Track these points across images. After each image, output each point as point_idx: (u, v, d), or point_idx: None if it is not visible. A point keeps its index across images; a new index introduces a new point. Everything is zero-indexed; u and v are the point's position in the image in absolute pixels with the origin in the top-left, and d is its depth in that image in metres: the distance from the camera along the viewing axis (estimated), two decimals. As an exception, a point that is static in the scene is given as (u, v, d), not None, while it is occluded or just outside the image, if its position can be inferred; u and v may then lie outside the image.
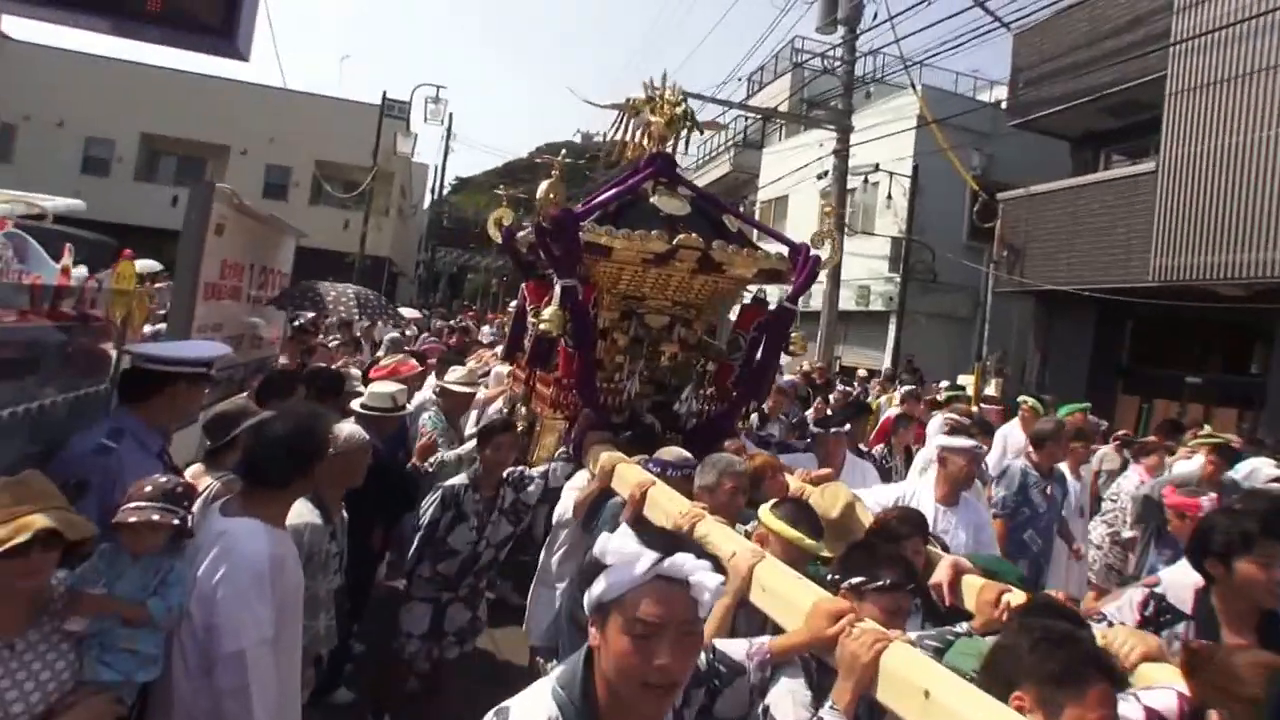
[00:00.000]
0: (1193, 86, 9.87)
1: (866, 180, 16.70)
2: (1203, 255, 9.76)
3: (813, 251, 4.62)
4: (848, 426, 4.96)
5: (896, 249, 16.55)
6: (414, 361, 5.98)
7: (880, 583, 2.07)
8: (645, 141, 4.73)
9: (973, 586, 2.46)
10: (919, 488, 4.07)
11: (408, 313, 16.60)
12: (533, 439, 4.74)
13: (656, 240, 4.21)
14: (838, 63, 15.41)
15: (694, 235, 4.28)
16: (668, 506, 2.98)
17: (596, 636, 1.40)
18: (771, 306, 4.80)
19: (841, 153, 14.40)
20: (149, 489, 2.12)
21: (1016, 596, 2.27)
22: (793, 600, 2.12)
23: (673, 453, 3.50)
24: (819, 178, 17.24)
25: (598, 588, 1.39)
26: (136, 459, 2.60)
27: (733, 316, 5.12)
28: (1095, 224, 11.34)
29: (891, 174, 16.55)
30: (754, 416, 5.60)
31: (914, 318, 16.57)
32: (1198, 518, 3.62)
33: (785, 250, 4.73)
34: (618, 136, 4.85)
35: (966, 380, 12.23)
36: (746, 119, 23.41)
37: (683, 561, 1.37)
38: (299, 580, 2.41)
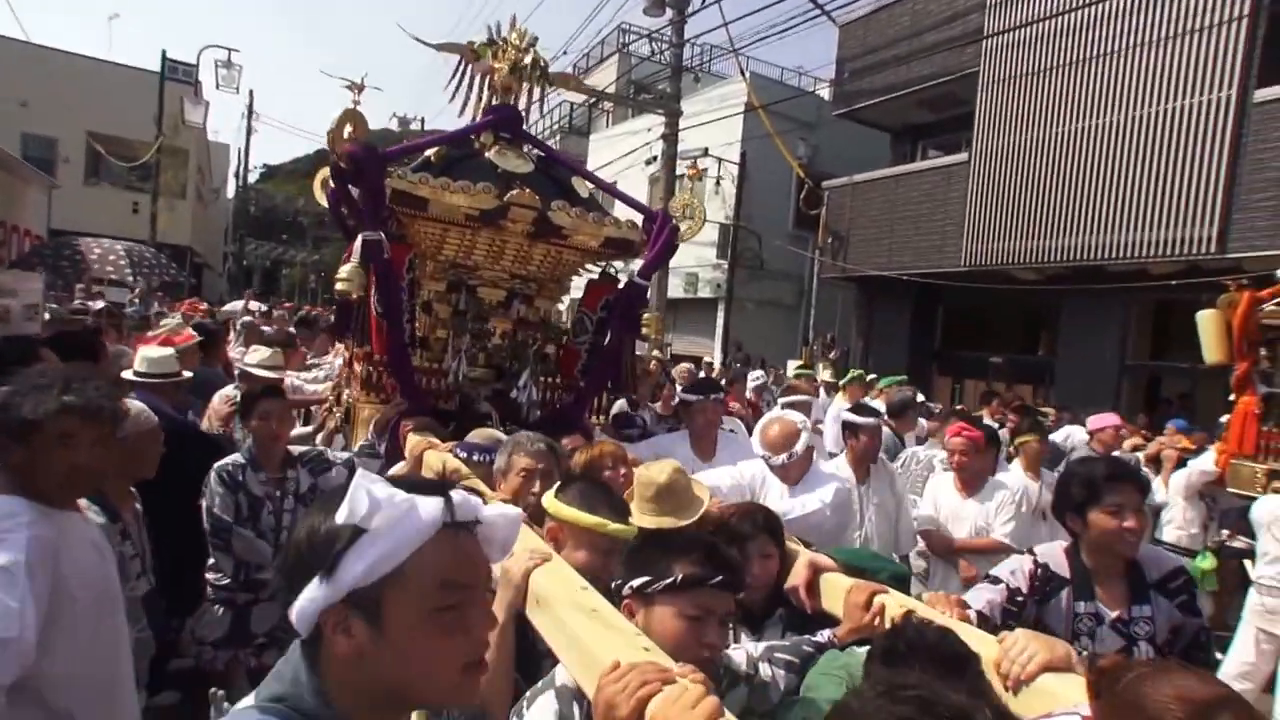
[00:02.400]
0: (1001, 79, 10.49)
1: (695, 166, 16.72)
2: (1005, 242, 10.47)
3: (671, 221, 4.16)
4: (723, 395, 4.52)
5: (724, 236, 16.72)
6: (191, 331, 5.43)
7: (670, 579, 1.61)
8: (487, 93, 4.11)
9: (838, 586, 2.07)
10: (763, 470, 3.62)
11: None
12: (352, 427, 4.14)
13: (481, 194, 3.62)
14: (666, 46, 15.22)
15: (528, 192, 3.72)
16: None
17: (348, 642, 0.99)
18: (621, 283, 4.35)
19: (670, 137, 14.23)
20: None
21: (894, 598, 1.91)
22: (567, 621, 1.54)
23: (483, 434, 3.13)
24: (647, 163, 17.05)
25: (357, 565, 0.97)
26: None
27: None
28: (913, 213, 11.88)
29: (720, 160, 16.64)
30: (618, 404, 5.17)
31: (742, 305, 16.81)
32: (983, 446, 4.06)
33: (639, 219, 4.24)
34: (459, 91, 4.18)
35: (795, 364, 12.48)
36: (572, 104, 23.04)
37: (468, 497, 1.05)
38: (105, 573, 2.04)
